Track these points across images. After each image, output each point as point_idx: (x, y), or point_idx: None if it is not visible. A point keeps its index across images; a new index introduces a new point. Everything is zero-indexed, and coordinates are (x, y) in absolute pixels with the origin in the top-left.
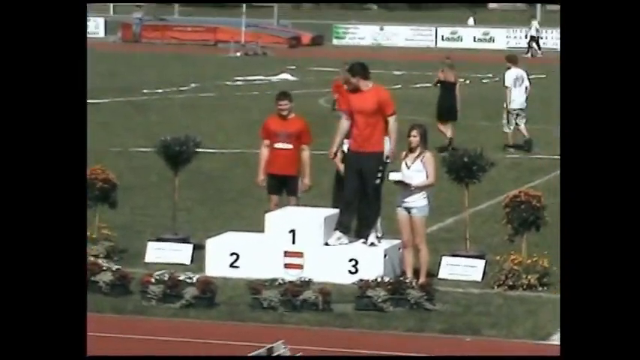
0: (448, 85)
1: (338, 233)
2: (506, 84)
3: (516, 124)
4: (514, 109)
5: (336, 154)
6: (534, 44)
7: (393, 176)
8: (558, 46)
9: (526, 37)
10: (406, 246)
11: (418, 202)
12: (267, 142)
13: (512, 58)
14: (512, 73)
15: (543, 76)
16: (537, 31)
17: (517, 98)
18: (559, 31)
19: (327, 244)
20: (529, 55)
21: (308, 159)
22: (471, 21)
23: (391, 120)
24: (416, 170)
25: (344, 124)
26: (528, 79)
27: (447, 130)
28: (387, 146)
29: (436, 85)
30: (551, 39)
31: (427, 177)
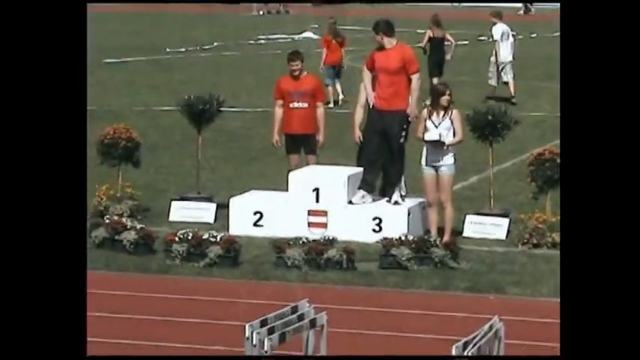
0: (437, 41)
1: (362, 192)
2: (495, 38)
3: (504, 78)
4: (503, 62)
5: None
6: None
7: (429, 136)
8: (549, 4)
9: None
10: (431, 205)
11: (447, 160)
12: (280, 102)
13: (497, 13)
14: (499, 28)
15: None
16: None
17: (504, 52)
18: None
19: (350, 202)
20: (521, 12)
21: (323, 116)
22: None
23: (414, 78)
24: (445, 128)
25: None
26: (512, 35)
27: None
28: (409, 103)
29: (426, 43)
30: None
31: (455, 134)
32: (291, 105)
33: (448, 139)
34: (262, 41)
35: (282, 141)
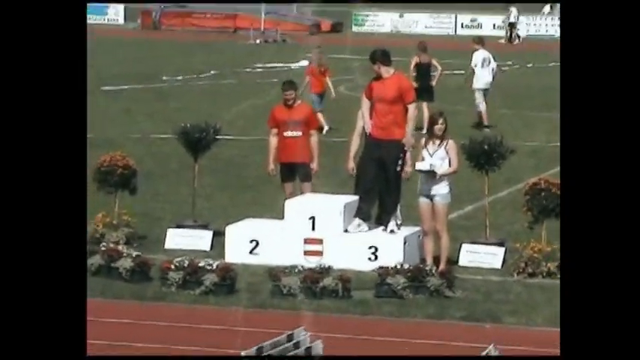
0: (424, 67)
1: (358, 220)
2: (473, 64)
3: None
4: (479, 89)
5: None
6: (512, 31)
7: (420, 166)
8: (535, 33)
9: (503, 22)
10: (427, 233)
11: (441, 189)
12: (275, 130)
13: (478, 39)
14: (480, 55)
15: (540, 64)
16: (516, 17)
17: (482, 78)
18: (538, 18)
19: (346, 231)
20: (503, 41)
21: (316, 144)
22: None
23: (411, 108)
24: (439, 158)
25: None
26: (495, 61)
27: (424, 110)
28: (406, 133)
29: (414, 68)
30: (528, 26)
31: (450, 164)
32: (285, 134)
33: (442, 169)
34: (259, 69)
35: (277, 169)
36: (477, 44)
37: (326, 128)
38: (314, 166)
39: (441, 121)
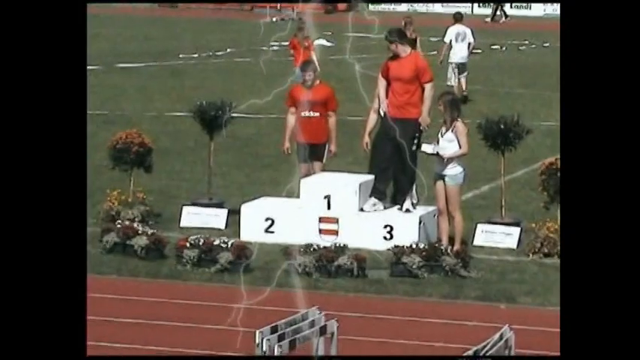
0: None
1: (373, 199)
2: (446, 39)
3: (458, 78)
4: (455, 63)
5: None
6: (500, 10)
7: (425, 148)
8: (552, 12)
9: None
10: (441, 213)
11: (451, 171)
12: (292, 109)
13: (456, 15)
14: (454, 29)
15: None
16: None
17: (458, 52)
18: None
19: (362, 210)
20: (488, 20)
21: (334, 125)
22: None
23: (428, 87)
24: (448, 140)
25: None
26: (473, 36)
27: None
28: (422, 112)
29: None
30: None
31: (460, 147)
32: (303, 114)
33: (449, 151)
34: (275, 48)
35: (292, 148)
36: (454, 19)
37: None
38: (332, 147)
39: (439, 102)
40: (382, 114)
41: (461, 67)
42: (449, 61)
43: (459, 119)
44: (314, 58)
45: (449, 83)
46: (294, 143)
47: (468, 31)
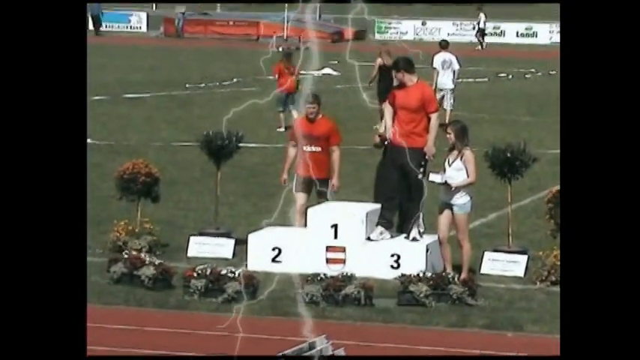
0: (386, 69)
1: (380, 228)
2: (433, 66)
3: (444, 105)
4: (442, 90)
5: (285, 180)
6: (480, 37)
7: (433, 177)
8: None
9: (473, 28)
10: (442, 242)
11: (459, 200)
12: (293, 142)
13: (442, 43)
14: (440, 57)
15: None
16: (484, 23)
17: (444, 80)
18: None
19: (369, 238)
20: (479, 48)
21: (338, 160)
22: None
23: (433, 117)
24: (456, 169)
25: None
26: (458, 63)
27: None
28: (427, 142)
29: (378, 69)
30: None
31: (467, 175)
32: (305, 148)
33: (457, 180)
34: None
35: (290, 180)
36: (440, 47)
37: (282, 130)
38: (335, 182)
39: (448, 130)
40: (387, 142)
41: (448, 95)
42: (436, 87)
43: (467, 147)
44: (297, 84)
45: (445, 107)
46: (294, 175)
47: (454, 59)
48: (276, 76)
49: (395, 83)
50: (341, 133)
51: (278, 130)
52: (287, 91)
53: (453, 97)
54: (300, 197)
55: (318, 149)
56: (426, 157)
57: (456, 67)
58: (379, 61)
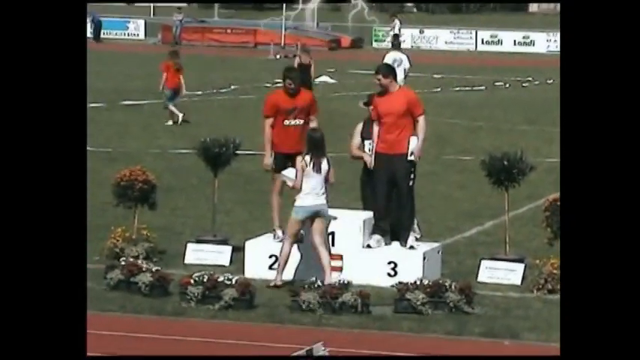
0: (304, 67)
1: (377, 236)
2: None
3: None
4: None
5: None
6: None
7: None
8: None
9: (388, 34)
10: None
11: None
12: (271, 120)
13: (394, 43)
14: (391, 55)
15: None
16: (399, 29)
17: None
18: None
19: (369, 246)
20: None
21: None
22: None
23: (421, 119)
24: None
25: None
26: (409, 62)
27: None
28: (413, 145)
29: (299, 65)
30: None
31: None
32: (286, 122)
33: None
34: (279, 85)
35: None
36: (392, 46)
37: (180, 117)
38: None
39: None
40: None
41: None
42: None
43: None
44: (182, 82)
45: None
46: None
47: (405, 57)
48: (164, 73)
49: (378, 89)
50: (337, 142)
51: (166, 124)
52: (174, 88)
53: None
54: (280, 177)
55: (301, 122)
56: (412, 158)
57: (407, 65)
58: (297, 59)
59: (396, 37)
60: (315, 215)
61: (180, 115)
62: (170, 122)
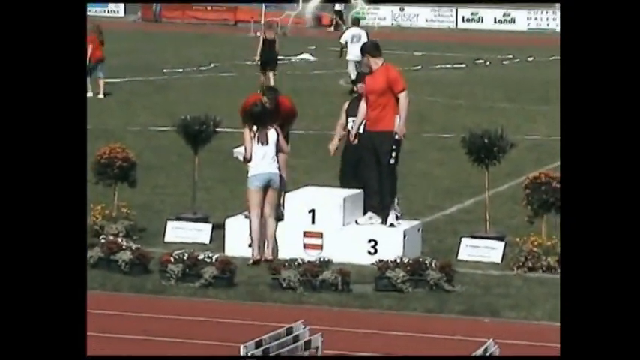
0: (269, 41)
1: (370, 214)
2: (342, 40)
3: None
4: (351, 60)
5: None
6: (339, 19)
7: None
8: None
9: (331, 11)
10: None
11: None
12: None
13: (353, 20)
14: (350, 32)
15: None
16: (342, 6)
17: (353, 51)
18: (539, 12)
19: (357, 223)
20: (332, 29)
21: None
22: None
23: (402, 96)
24: None
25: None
26: (368, 38)
27: (269, 79)
28: (397, 123)
29: (262, 42)
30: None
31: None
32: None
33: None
34: (259, 62)
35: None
36: (352, 23)
37: (90, 94)
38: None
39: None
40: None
41: (357, 64)
42: (347, 58)
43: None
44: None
45: (352, 77)
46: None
47: (363, 33)
48: (90, 46)
49: (365, 69)
50: (317, 119)
51: (97, 96)
52: (96, 60)
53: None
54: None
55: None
56: (397, 138)
57: (365, 40)
58: (262, 34)
59: (339, 14)
60: (267, 184)
61: (93, 93)
62: (100, 95)
